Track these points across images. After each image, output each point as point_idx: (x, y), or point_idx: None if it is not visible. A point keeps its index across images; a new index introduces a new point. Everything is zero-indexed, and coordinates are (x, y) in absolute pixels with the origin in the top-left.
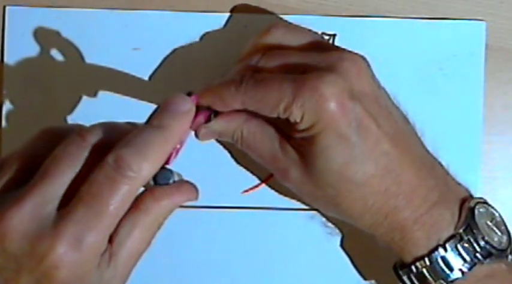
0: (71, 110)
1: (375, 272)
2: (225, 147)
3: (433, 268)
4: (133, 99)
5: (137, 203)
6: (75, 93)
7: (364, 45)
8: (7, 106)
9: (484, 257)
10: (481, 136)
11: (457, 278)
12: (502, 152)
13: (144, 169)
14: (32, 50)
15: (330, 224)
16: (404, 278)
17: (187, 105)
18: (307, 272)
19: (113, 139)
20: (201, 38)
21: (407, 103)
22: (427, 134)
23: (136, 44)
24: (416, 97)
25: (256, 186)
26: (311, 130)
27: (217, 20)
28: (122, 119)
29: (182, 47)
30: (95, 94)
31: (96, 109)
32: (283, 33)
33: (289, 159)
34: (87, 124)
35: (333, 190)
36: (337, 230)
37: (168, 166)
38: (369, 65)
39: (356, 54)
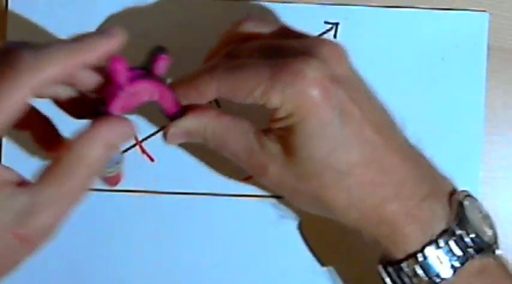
0: None
1: (332, 260)
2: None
3: (426, 263)
4: None
5: None
6: None
7: (366, 34)
8: None
9: (476, 252)
10: (481, 136)
11: (449, 275)
12: (502, 152)
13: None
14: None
15: (287, 209)
16: (393, 275)
17: (114, 31)
18: (264, 259)
19: None
20: (201, 25)
21: (409, 93)
22: (427, 128)
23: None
24: (417, 87)
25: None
26: (291, 118)
27: (218, 6)
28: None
29: (180, 34)
30: None
31: None
32: (257, 23)
33: (267, 153)
34: (85, 121)
35: (316, 181)
36: (295, 215)
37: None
38: (347, 53)
39: (334, 41)
